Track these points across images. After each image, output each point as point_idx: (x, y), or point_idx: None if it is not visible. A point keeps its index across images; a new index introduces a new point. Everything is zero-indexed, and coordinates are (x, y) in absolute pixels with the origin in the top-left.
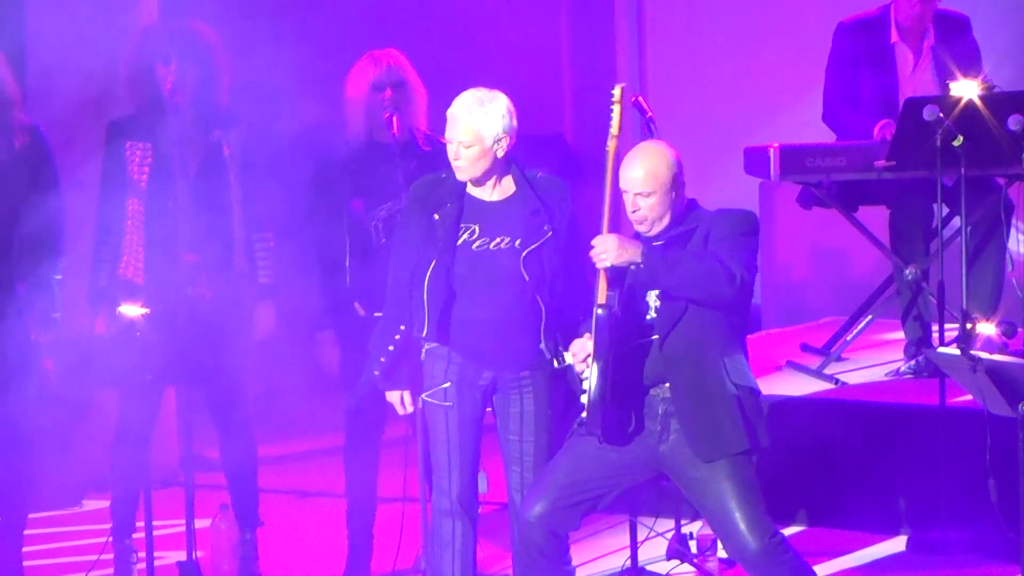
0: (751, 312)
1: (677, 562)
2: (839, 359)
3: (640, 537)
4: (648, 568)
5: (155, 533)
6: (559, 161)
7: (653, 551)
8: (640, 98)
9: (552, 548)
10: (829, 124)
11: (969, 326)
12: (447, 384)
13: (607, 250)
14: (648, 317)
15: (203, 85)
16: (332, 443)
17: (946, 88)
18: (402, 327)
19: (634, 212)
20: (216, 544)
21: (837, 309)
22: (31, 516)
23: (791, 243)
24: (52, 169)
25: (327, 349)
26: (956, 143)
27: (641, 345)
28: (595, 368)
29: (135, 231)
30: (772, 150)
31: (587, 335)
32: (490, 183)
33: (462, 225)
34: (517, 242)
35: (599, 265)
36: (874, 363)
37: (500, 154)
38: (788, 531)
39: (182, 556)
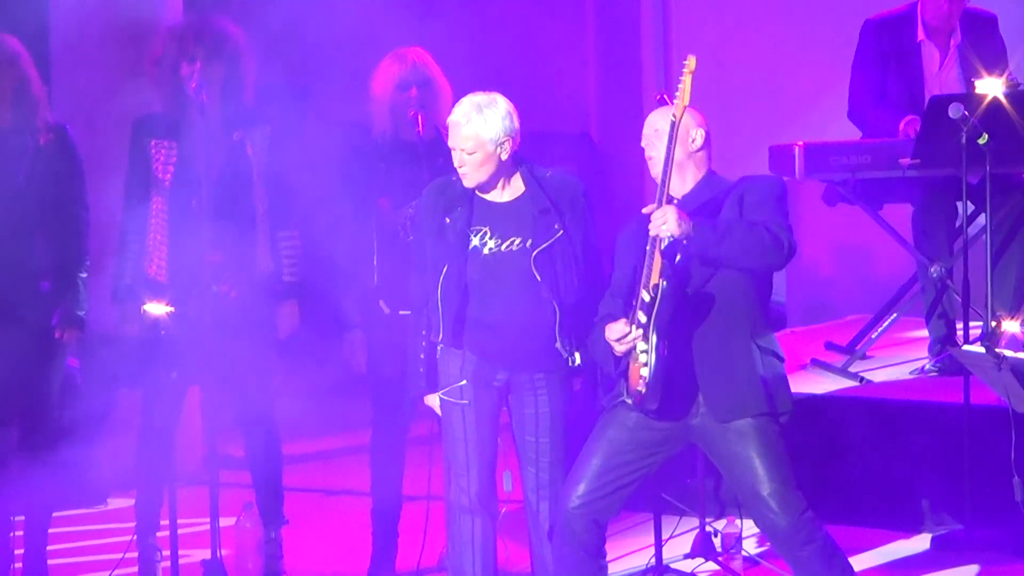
0: (778, 310)
1: (702, 560)
2: (864, 357)
3: (665, 535)
4: (673, 566)
5: (180, 531)
6: (584, 159)
7: (678, 549)
8: (666, 95)
9: (592, 538)
10: (855, 121)
11: (994, 324)
12: (463, 382)
13: (668, 220)
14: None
15: (228, 84)
16: (357, 441)
17: (971, 86)
18: (423, 331)
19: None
20: (241, 543)
21: (862, 307)
22: (56, 515)
23: (816, 241)
24: (77, 167)
25: (356, 349)
26: (981, 141)
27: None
28: (653, 344)
29: (159, 230)
30: (797, 148)
31: (623, 320)
32: (499, 185)
33: (473, 228)
34: (528, 242)
35: (662, 235)
36: (899, 361)
37: (504, 157)
38: None
39: (207, 554)
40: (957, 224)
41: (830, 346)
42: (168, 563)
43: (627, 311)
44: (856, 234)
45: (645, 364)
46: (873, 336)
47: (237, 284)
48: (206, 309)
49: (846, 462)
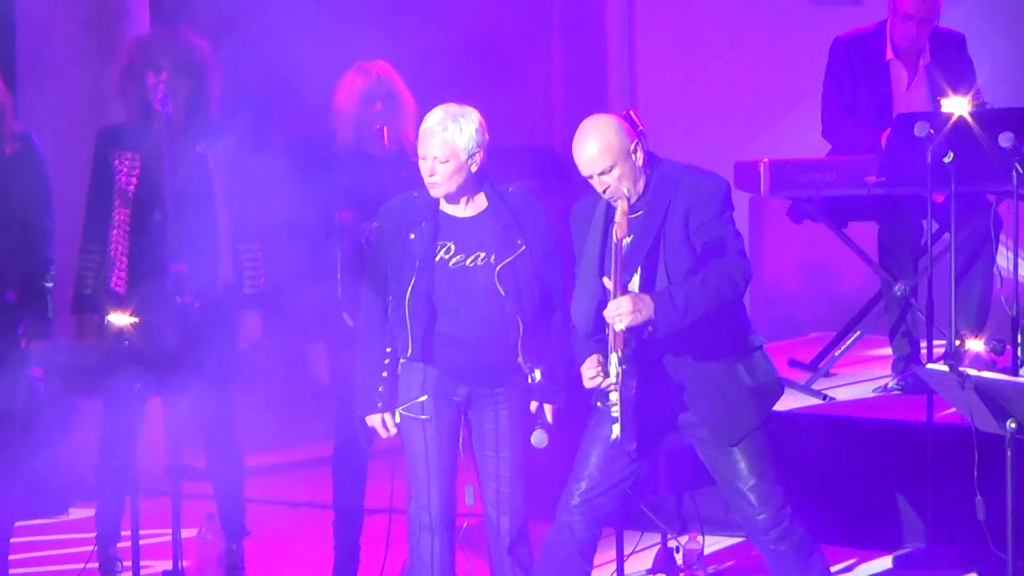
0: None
1: None
2: (827, 375)
3: (627, 551)
4: None
5: (141, 542)
6: (549, 173)
7: (640, 564)
8: (631, 112)
9: (589, 537)
10: (829, 139)
11: (957, 343)
12: (424, 397)
13: (622, 313)
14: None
15: (193, 96)
16: (319, 453)
17: (938, 105)
18: (388, 349)
19: (605, 191)
20: (202, 554)
21: (825, 324)
22: (17, 524)
23: (780, 258)
24: (43, 176)
25: (318, 361)
26: (947, 159)
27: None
28: (620, 407)
29: (120, 240)
30: (762, 165)
31: (595, 357)
32: (463, 200)
33: (438, 243)
34: (492, 258)
35: (617, 328)
36: (862, 379)
37: (474, 169)
38: None
39: (168, 565)
40: (922, 242)
41: (793, 363)
42: (129, 574)
43: (599, 332)
44: (821, 251)
45: (615, 419)
46: (837, 354)
47: (200, 295)
48: (169, 320)
49: (808, 480)
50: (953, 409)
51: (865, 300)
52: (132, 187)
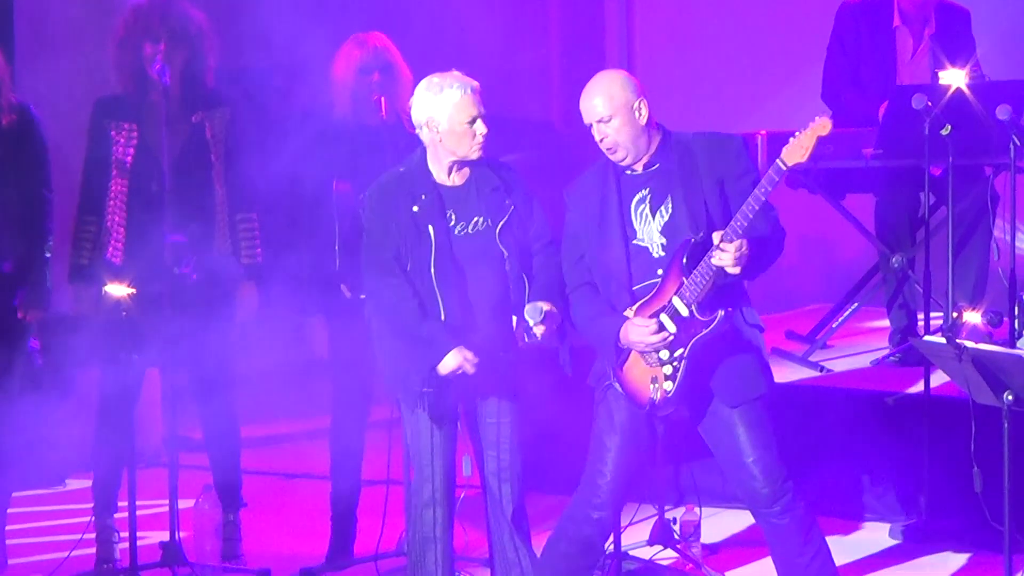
0: None
1: (660, 547)
2: (824, 346)
3: (624, 522)
4: (632, 553)
5: (138, 513)
6: (547, 147)
7: (637, 536)
8: None
9: (611, 521)
10: (828, 103)
11: (955, 315)
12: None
13: (739, 256)
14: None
15: (190, 66)
16: (317, 425)
17: (937, 77)
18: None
19: (602, 141)
20: (199, 525)
21: (823, 296)
22: (14, 495)
23: None
24: (41, 148)
25: (316, 332)
26: (944, 132)
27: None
28: (683, 353)
29: (117, 211)
30: (760, 137)
31: (652, 320)
32: (452, 169)
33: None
34: (489, 221)
35: (733, 271)
36: (859, 351)
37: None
38: None
39: (165, 536)
40: (919, 214)
41: (791, 335)
42: (126, 544)
43: (631, 300)
44: (818, 223)
45: (669, 378)
46: (834, 325)
47: (197, 266)
48: (166, 291)
49: (805, 452)
50: (950, 380)
51: (862, 272)
52: (129, 158)
